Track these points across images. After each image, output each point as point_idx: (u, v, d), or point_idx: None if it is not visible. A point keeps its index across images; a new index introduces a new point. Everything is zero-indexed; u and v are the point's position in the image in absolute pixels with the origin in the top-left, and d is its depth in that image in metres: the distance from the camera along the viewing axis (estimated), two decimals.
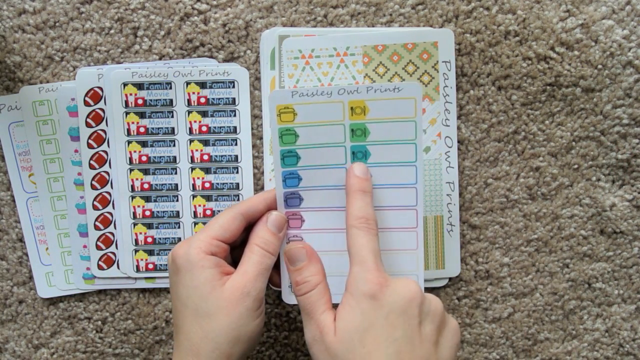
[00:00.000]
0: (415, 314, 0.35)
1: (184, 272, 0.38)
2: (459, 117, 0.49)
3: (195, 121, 0.48)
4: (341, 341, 0.34)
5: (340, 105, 0.40)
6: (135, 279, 0.50)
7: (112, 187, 0.49)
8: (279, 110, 0.40)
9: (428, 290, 0.50)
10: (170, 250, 0.43)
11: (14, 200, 0.50)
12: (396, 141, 0.41)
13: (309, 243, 0.42)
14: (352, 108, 0.40)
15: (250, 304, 0.38)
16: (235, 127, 0.48)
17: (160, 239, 0.49)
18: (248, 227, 0.42)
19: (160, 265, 0.49)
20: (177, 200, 0.49)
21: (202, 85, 0.48)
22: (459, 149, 0.49)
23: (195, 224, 0.49)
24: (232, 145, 0.49)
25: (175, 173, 0.49)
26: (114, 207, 0.49)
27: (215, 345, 0.37)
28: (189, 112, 0.48)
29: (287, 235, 0.42)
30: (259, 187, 0.49)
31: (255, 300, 0.38)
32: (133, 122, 0.48)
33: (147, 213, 0.49)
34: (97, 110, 0.48)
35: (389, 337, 0.34)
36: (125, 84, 0.48)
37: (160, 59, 0.48)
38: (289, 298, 0.43)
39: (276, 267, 0.43)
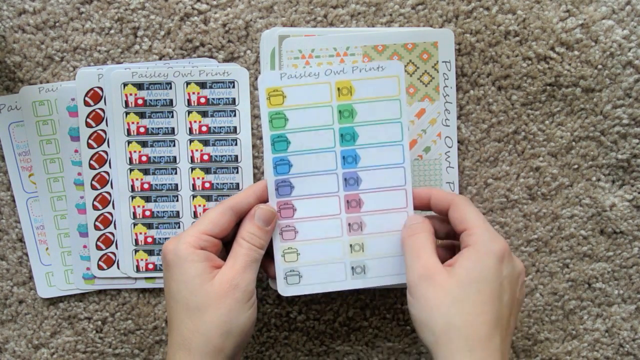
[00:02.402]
0: (520, 287, 0.39)
1: (173, 267, 0.39)
2: (459, 117, 0.49)
3: (195, 121, 0.48)
4: (458, 283, 0.36)
5: (328, 86, 0.41)
6: (135, 279, 0.50)
7: (112, 187, 0.49)
8: (269, 93, 0.41)
9: None
10: None
11: (14, 200, 0.50)
12: (382, 121, 0.41)
13: (301, 232, 0.42)
14: (339, 89, 0.41)
15: (239, 296, 0.38)
16: (235, 127, 0.48)
17: (160, 239, 0.49)
18: (240, 222, 0.42)
19: (160, 265, 0.49)
20: (177, 200, 0.49)
21: (202, 85, 0.48)
22: (459, 149, 0.49)
23: None
24: (232, 145, 0.49)
25: (175, 173, 0.49)
26: (114, 207, 0.49)
27: (206, 338, 0.37)
28: (189, 112, 0.48)
29: (279, 226, 0.42)
30: None
31: (244, 292, 0.38)
32: (133, 122, 0.48)
33: (147, 213, 0.49)
34: (97, 110, 0.48)
35: (500, 297, 0.36)
36: (125, 84, 0.48)
37: (160, 59, 0.48)
38: (284, 290, 0.43)
39: (272, 258, 0.43)
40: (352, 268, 0.42)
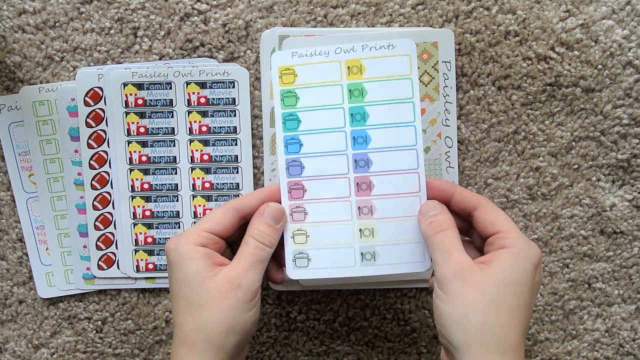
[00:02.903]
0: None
1: (175, 265, 0.39)
2: (459, 117, 0.49)
3: (195, 121, 0.48)
4: (496, 284, 0.36)
5: (337, 64, 0.40)
6: (135, 279, 0.50)
7: (112, 187, 0.49)
8: (281, 72, 0.41)
9: (426, 289, 0.50)
10: None
11: (14, 200, 0.50)
12: (393, 100, 0.40)
13: (311, 214, 0.41)
14: (348, 67, 0.40)
15: (241, 295, 0.37)
16: (235, 127, 0.48)
17: (160, 239, 0.49)
18: (246, 224, 0.42)
19: (160, 265, 0.49)
20: (177, 200, 0.49)
21: (202, 85, 0.48)
22: (459, 149, 0.49)
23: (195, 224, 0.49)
24: (232, 145, 0.49)
25: (175, 173, 0.49)
26: (114, 207, 0.49)
27: (206, 336, 0.37)
28: (189, 112, 0.48)
29: (289, 207, 0.41)
30: (259, 187, 0.49)
31: (247, 291, 0.38)
32: (133, 122, 0.48)
33: (147, 213, 0.49)
34: (97, 110, 0.48)
35: (531, 303, 0.37)
36: (125, 84, 0.48)
37: (160, 59, 0.48)
38: (292, 273, 0.42)
39: (278, 262, 0.42)
40: (362, 254, 0.41)
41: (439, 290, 0.37)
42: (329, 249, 0.41)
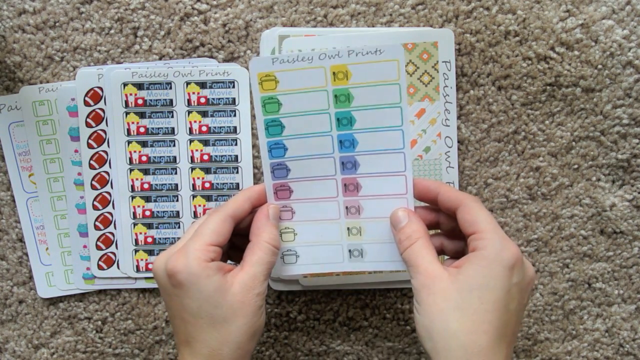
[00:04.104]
0: (529, 293, 0.38)
1: (188, 286, 0.38)
2: (459, 117, 0.49)
3: (195, 121, 0.48)
4: (459, 290, 0.35)
5: (322, 70, 0.40)
6: (135, 279, 0.50)
7: (112, 187, 0.49)
8: (260, 78, 0.40)
9: None
10: None
11: (14, 200, 0.50)
12: (381, 106, 0.40)
13: (298, 213, 0.42)
14: (334, 73, 0.40)
15: (260, 301, 0.39)
16: (235, 127, 0.48)
17: (160, 239, 0.49)
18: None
19: None
20: (177, 200, 0.49)
21: (202, 85, 0.48)
22: (459, 149, 0.49)
23: None
24: (232, 145, 0.49)
25: (175, 173, 0.49)
26: (114, 207, 0.49)
27: (237, 345, 0.38)
28: (189, 112, 0.48)
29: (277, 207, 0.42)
30: None
31: (263, 297, 0.39)
32: (133, 122, 0.48)
33: (147, 213, 0.49)
34: (97, 110, 0.48)
35: (506, 306, 0.36)
36: (125, 84, 0.48)
37: (160, 59, 0.48)
38: (281, 270, 0.42)
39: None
40: (350, 251, 0.42)
41: (414, 301, 0.37)
42: (318, 246, 0.42)
